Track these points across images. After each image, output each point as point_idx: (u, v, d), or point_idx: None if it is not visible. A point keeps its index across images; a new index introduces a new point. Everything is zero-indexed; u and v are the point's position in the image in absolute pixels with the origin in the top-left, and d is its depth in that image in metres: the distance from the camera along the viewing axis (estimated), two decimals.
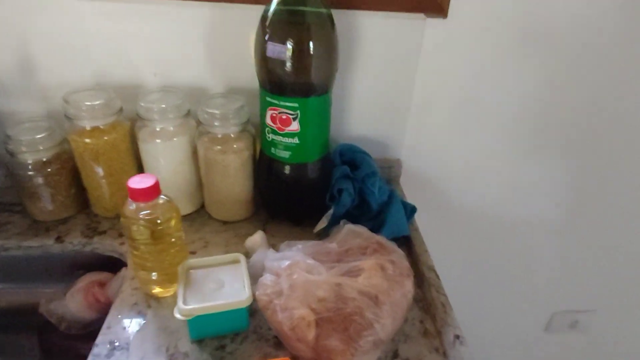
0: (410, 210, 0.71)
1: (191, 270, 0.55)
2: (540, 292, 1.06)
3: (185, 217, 0.72)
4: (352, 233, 0.59)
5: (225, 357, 0.51)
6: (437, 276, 0.61)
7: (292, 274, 0.50)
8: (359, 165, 0.71)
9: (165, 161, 0.66)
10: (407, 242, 0.69)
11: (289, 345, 0.50)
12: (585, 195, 0.91)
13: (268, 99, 0.60)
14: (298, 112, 0.60)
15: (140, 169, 0.70)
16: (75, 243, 0.66)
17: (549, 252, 0.99)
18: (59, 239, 0.66)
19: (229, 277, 0.54)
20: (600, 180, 0.89)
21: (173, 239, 0.55)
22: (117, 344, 0.51)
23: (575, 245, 0.99)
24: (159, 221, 0.52)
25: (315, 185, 0.68)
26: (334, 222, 0.66)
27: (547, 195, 0.90)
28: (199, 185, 0.71)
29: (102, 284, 0.63)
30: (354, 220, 0.69)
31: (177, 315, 0.48)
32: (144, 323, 0.54)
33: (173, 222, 0.54)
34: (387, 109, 0.76)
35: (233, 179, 0.67)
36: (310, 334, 0.48)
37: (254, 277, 0.54)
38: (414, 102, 0.76)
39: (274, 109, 0.60)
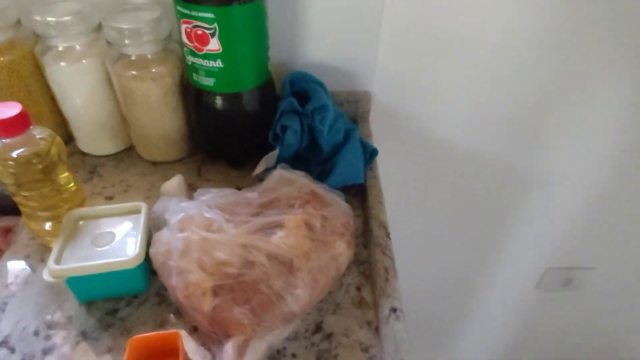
0: (371, 154, 0.59)
1: (81, 222, 0.46)
2: (532, 247, 0.95)
3: (112, 157, 0.63)
4: (282, 180, 0.48)
5: (115, 324, 0.43)
6: (388, 235, 0.51)
7: (184, 230, 0.41)
8: (311, 97, 0.58)
9: (75, 89, 0.56)
10: (361, 192, 0.58)
11: (186, 314, 0.42)
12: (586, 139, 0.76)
13: (179, 8, 0.48)
14: (216, 25, 0.47)
15: (53, 100, 0.59)
16: None
17: (542, 204, 0.86)
18: None
19: (124, 231, 0.45)
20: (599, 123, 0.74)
21: (59, 183, 0.46)
22: None
23: (572, 198, 0.85)
24: (34, 161, 0.43)
25: (255, 120, 0.57)
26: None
27: (540, 141, 0.76)
28: (124, 119, 0.61)
29: (7, 231, 0.56)
30: (305, 164, 0.59)
31: (46, 277, 0.40)
32: (30, 280, 0.47)
33: (54, 160, 0.44)
34: (354, 27, 0.62)
35: (156, 111, 0.56)
36: (206, 304, 0.39)
37: (158, 230, 0.45)
38: (386, 19, 0.61)
39: (187, 22, 0.48)
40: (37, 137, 0.43)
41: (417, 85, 0.69)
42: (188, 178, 0.59)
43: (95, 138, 0.61)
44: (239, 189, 0.57)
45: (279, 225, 0.43)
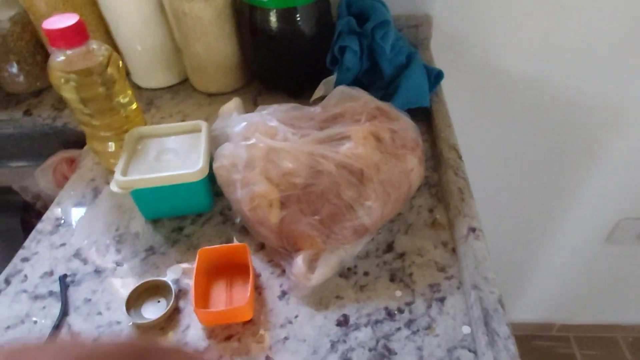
0: (435, 77, 0.55)
1: (143, 139, 0.45)
2: (606, 195, 0.87)
3: (167, 90, 0.62)
4: (345, 96, 0.45)
5: (180, 240, 0.42)
6: (459, 156, 0.47)
7: (249, 138, 0.39)
8: (370, 16, 0.54)
9: (128, 16, 0.55)
10: (427, 117, 0.54)
11: (252, 229, 0.40)
12: None
13: None
14: None
15: (107, 32, 0.59)
16: (44, 117, 0.59)
17: (621, 147, 0.78)
18: (27, 112, 0.59)
19: (186, 147, 0.44)
20: None
21: (118, 98, 0.45)
22: (63, 220, 0.45)
23: None
24: (95, 74, 0.42)
25: (312, 41, 0.54)
26: None
27: (620, 72, 0.68)
28: (178, 49, 0.59)
29: (71, 161, 0.57)
30: (365, 90, 0.55)
31: (114, 188, 0.40)
32: (98, 200, 0.47)
33: (112, 74, 0.43)
34: None
35: (209, 36, 0.54)
36: (273, 216, 0.38)
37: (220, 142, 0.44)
38: None
39: None
40: (95, 51, 0.42)
41: (483, 9, 0.63)
42: (244, 108, 0.58)
43: (149, 70, 0.60)
44: None
45: (346, 137, 0.40)
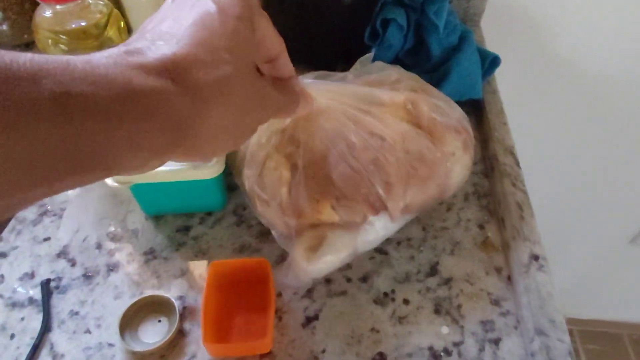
0: (491, 63, 0.47)
1: None
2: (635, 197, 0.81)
3: None
4: (382, 67, 0.38)
5: (187, 243, 0.36)
6: (517, 163, 0.40)
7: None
8: None
9: None
10: (478, 110, 0.47)
11: (260, 213, 0.33)
12: None
13: None
14: None
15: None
16: None
17: None
18: None
19: None
20: None
21: None
22: (48, 207, 0.38)
23: None
24: (91, 33, 0.34)
25: (349, 11, 0.46)
26: None
27: None
28: None
29: None
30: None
31: (109, 181, 0.33)
32: (89, 185, 0.40)
33: (111, 35, 0.35)
34: None
35: None
36: (283, 180, 0.31)
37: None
38: None
39: None
40: (92, 7, 0.34)
41: None
42: None
43: None
44: None
45: (377, 103, 0.33)
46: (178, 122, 0.17)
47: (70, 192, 0.39)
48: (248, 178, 0.31)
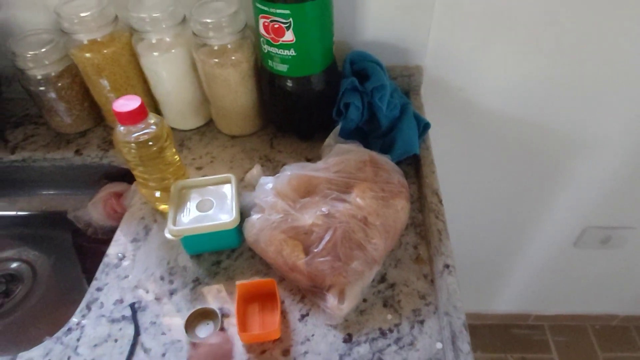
0: (424, 127, 0.66)
1: (184, 190, 0.56)
2: (573, 207, 0.99)
3: (195, 131, 0.72)
4: (343, 151, 0.56)
5: (220, 273, 0.54)
6: (440, 201, 0.58)
7: (272, 209, 0.50)
8: (370, 76, 0.64)
9: (166, 75, 0.65)
10: (415, 161, 0.65)
11: (286, 276, 0.51)
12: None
13: (258, 5, 0.54)
14: (291, 20, 0.54)
15: (146, 83, 0.69)
16: (93, 156, 0.70)
17: (585, 165, 0.90)
18: (78, 152, 0.70)
19: (220, 198, 0.55)
20: None
21: (167, 159, 0.55)
22: (125, 255, 0.56)
23: (613, 162, 0.89)
24: (150, 143, 0.52)
25: (322, 99, 0.64)
26: (344, 138, 0.63)
27: (584, 107, 0.79)
28: (205, 98, 0.69)
29: (119, 195, 0.68)
30: (364, 137, 0.66)
31: (168, 235, 0.51)
32: (149, 237, 0.58)
33: (166, 143, 0.54)
34: (407, 6, 0.66)
35: (235, 93, 0.65)
36: (302, 264, 0.49)
37: (248, 209, 0.55)
38: None
39: (266, 17, 0.55)
40: (151, 124, 0.53)
41: (466, 58, 0.74)
42: (262, 149, 0.69)
43: (181, 116, 0.71)
44: (307, 159, 0.66)
45: (350, 187, 0.51)
46: None
47: (138, 242, 0.57)
48: (267, 252, 0.50)
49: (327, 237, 0.49)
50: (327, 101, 0.64)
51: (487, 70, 0.75)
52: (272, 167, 0.66)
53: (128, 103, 0.50)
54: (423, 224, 0.58)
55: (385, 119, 0.64)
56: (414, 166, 0.65)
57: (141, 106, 0.50)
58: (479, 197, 0.98)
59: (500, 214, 1.02)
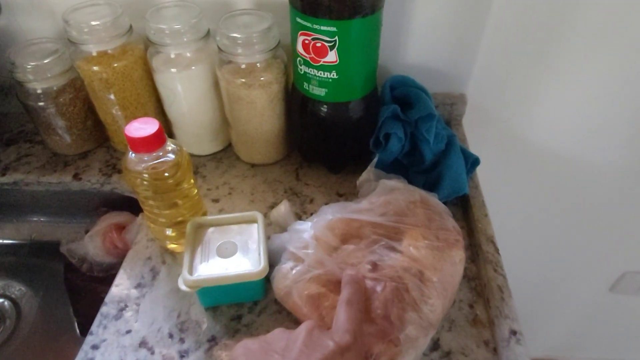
0: (472, 163, 0.58)
1: (201, 229, 0.48)
2: (611, 248, 0.92)
3: (211, 157, 0.65)
4: (388, 189, 0.48)
5: (241, 330, 0.45)
6: (497, 250, 0.50)
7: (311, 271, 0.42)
8: (414, 104, 0.57)
9: (184, 94, 0.57)
10: (463, 202, 0.58)
11: None
12: None
13: (299, 20, 0.47)
14: (337, 38, 0.47)
15: (158, 101, 0.61)
16: (93, 181, 0.61)
17: (629, 206, 0.83)
18: (76, 176, 0.62)
19: (244, 241, 0.46)
20: None
21: (184, 193, 0.47)
22: (127, 304, 0.47)
23: None
24: (166, 174, 0.44)
25: (358, 128, 0.57)
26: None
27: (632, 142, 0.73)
28: (225, 120, 0.62)
29: (120, 228, 0.59)
30: (404, 171, 0.58)
31: (182, 287, 0.43)
32: (157, 282, 0.49)
33: (184, 175, 0.46)
34: (455, 30, 0.60)
35: (261, 117, 0.57)
36: None
37: (276, 253, 0.46)
38: (489, 23, 0.59)
39: (307, 34, 0.47)
40: (168, 150, 0.45)
41: (512, 88, 0.67)
42: (287, 181, 0.61)
43: (197, 139, 0.63)
44: (338, 194, 0.58)
45: (400, 233, 0.43)
46: None
47: (142, 289, 0.49)
48: (300, 308, 0.41)
49: (376, 295, 0.40)
50: (364, 130, 0.57)
51: (533, 102, 0.69)
52: (300, 203, 0.58)
53: (144, 127, 0.42)
54: (478, 277, 0.50)
55: (430, 153, 0.57)
56: (461, 207, 0.58)
57: (159, 131, 0.42)
58: (512, 235, 0.90)
59: (536, 252, 0.94)
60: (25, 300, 0.64)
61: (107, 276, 0.60)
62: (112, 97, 0.58)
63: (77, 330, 0.60)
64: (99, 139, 0.66)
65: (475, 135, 0.68)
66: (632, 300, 1.03)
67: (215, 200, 0.58)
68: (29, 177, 0.62)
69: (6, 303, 0.64)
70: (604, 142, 0.72)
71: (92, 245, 0.59)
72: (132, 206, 0.61)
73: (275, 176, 0.61)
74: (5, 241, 0.69)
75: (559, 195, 0.80)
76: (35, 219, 0.69)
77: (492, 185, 0.78)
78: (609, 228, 0.87)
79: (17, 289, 0.65)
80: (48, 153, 0.65)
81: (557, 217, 0.85)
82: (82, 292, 0.62)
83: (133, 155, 0.44)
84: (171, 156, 0.45)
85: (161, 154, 0.44)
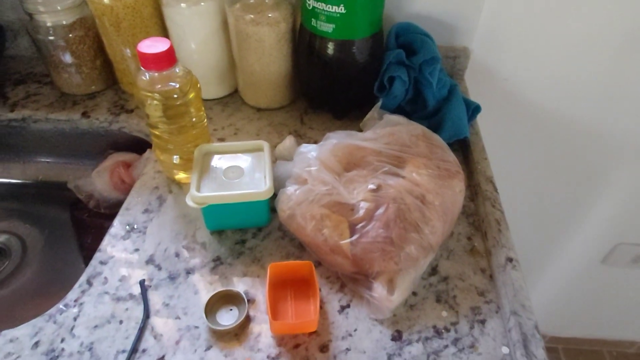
0: (473, 110, 0.59)
1: (208, 156, 0.49)
2: (605, 220, 0.93)
3: (217, 101, 0.65)
4: (392, 123, 0.50)
5: (245, 253, 0.46)
6: (495, 189, 0.52)
7: (315, 179, 0.43)
8: (418, 50, 0.58)
9: (192, 31, 0.58)
10: (464, 147, 0.59)
11: (326, 261, 0.44)
12: None
13: None
14: None
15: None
16: (102, 120, 0.62)
17: (624, 176, 0.84)
18: (85, 114, 0.63)
19: (250, 166, 0.48)
20: None
21: (193, 118, 0.48)
22: (135, 226, 0.48)
23: None
24: (175, 95, 0.45)
25: (363, 70, 0.58)
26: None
27: (637, 113, 0.73)
28: (232, 64, 0.63)
29: (127, 165, 0.60)
30: (407, 117, 0.59)
31: (190, 203, 0.44)
32: (164, 208, 0.50)
33: (192, 97, 0.46)
34: None
35: (268, 57, 0.58)
36: (344, 237, 0.42)
37: (281, 180, 0.47)
38: None
39: None
40: (178, 74, 0.46)
41: (516, 47, 0.68)
42: (291, 124, 0.62)
43: (204, 82, 0.63)
44: None
45: (403, 161, 0.44)
46: None
47: (150, 214, 0.50)
48: (303, 229, 0.42)
49: (378, 215, 0.41)
50: (368, 74, 0.58)
51: (536, 62, 0.69)
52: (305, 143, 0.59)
53: (155, 45, 0.43)
54: (476, 214, 0.51)
55: (433, 98, 0.58)
56: (461, 153, 0.59)
57: (170, 50, 0.43)
58: (507, 193, 0.91)
59: (528, 218, 0.95)
60: (32, 236, 0.65)
61: (113, 213, 0.61)
62: (121, 35, 0.58)
63: (83, 265, 0.62)
64: (107, 80, 0.67)
65: (477, 92, 0.69)
66: (624, 272, 1.05)
67: (221, 139, 0.59)
68: (37, 114, 0.63)
69: (12, 239, 0.65)
70: (601, 105, 0.73)
71: (99, 180, 0.60)
72: (139, 150, 0.63)
73: (280, 120, 0.62)
74: (12, 181, 0.70)
75: (552, 157, 0.81)
76: (42, 159, 0.70)
77: (489, 146, 0.79)
78: (601, 197, 0.88)
79: (23, 226, 0.66)
80: (57, 92, 0.66)
81: (551, 188, 0.86)
82: (88, 229, 0.63)
83: (146, 75, 0.44)
84: (181, 77, 0.45)
85: (172, 74, 0.44)
